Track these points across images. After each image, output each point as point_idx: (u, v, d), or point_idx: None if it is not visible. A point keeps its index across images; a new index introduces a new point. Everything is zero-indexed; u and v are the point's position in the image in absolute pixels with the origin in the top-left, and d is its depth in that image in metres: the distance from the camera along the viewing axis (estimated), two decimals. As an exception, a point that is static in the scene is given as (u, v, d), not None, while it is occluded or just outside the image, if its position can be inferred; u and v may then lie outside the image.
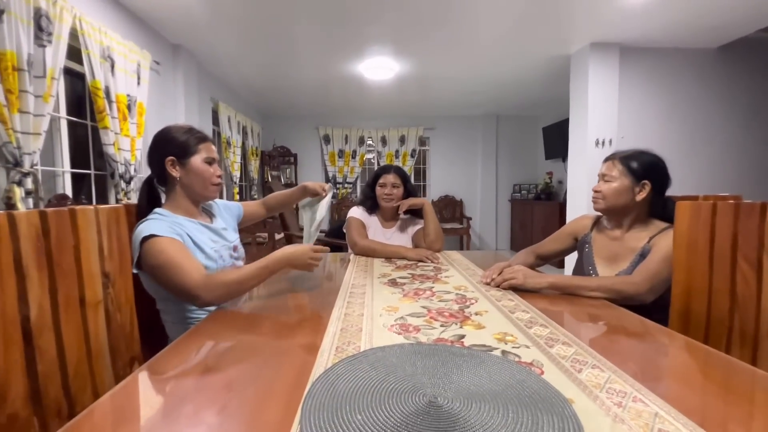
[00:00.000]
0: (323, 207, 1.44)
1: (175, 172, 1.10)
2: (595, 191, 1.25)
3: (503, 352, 0.68)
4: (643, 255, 1.12)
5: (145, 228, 0.98)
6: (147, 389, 0.59)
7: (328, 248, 1.02)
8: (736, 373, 0.62)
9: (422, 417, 0.48)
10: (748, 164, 3.53)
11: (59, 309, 0.62)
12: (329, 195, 1.47)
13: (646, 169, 1.18)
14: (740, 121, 3.49)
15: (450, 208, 6.15)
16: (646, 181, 1.17)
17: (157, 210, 1.09)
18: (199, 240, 1.09)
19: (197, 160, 1.10)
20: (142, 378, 0.61)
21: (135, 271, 1.01)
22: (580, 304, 0.99)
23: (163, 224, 1.00)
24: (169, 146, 1.10)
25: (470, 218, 5.95)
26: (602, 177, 1.24)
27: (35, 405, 0.57)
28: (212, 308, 0.99)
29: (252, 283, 0.99)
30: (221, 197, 1.52)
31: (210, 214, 1.27)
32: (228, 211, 1.35)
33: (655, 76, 3.41)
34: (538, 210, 5.31)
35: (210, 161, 1.13)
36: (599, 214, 1.31)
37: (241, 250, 1.29)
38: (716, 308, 0.82)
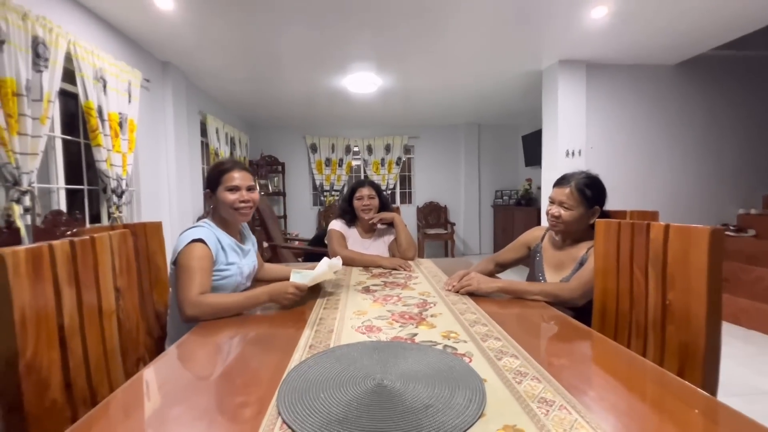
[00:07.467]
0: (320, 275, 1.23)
1: (210, 202, 1.32)
2: (555, 216, 1.34)
3: (445, 346, 0.85)
4: (582, 263, 1.30)
5: (196, 232, 1.18)
6: (150, 386, 0.74)
7: (306, 287, 1.16)
8: (624, 359, 0.80)
9: (370, 395, 0.64)
10: (707, 173, 3.79)
11: (84, 318, 0.76)
12: (326, 265, 1.26)
13: (597, 195, 1.33)
14: (697, 132, 3.76)
15: (435, 214, 6.34)
16: (597, 207, 1.33)
17: (205, 220, 1.30)
18: (229, 253, 1.27)
19: (221, 190, 1.27)
20: (147, 376, 0.75)
21: (172, 265, 1.17)
22: (523, 307, 1.16)
23: (210, 234, 1.21)
24: (207, 181, 1.32)
25: (454, 224, 6.15)
26: (560, 204, 1.32)
27: (68, 393, 0.71)
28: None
29: (236, 310, 1.11)
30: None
31: (243, 237, 1.43)
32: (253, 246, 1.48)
33: (618, 90, 3.65)
34: (518, 215, 5.52)
35: (232, 188, 1.27)
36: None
37: (253, 270, 1.42)
38: (622, 306, 1.00)
